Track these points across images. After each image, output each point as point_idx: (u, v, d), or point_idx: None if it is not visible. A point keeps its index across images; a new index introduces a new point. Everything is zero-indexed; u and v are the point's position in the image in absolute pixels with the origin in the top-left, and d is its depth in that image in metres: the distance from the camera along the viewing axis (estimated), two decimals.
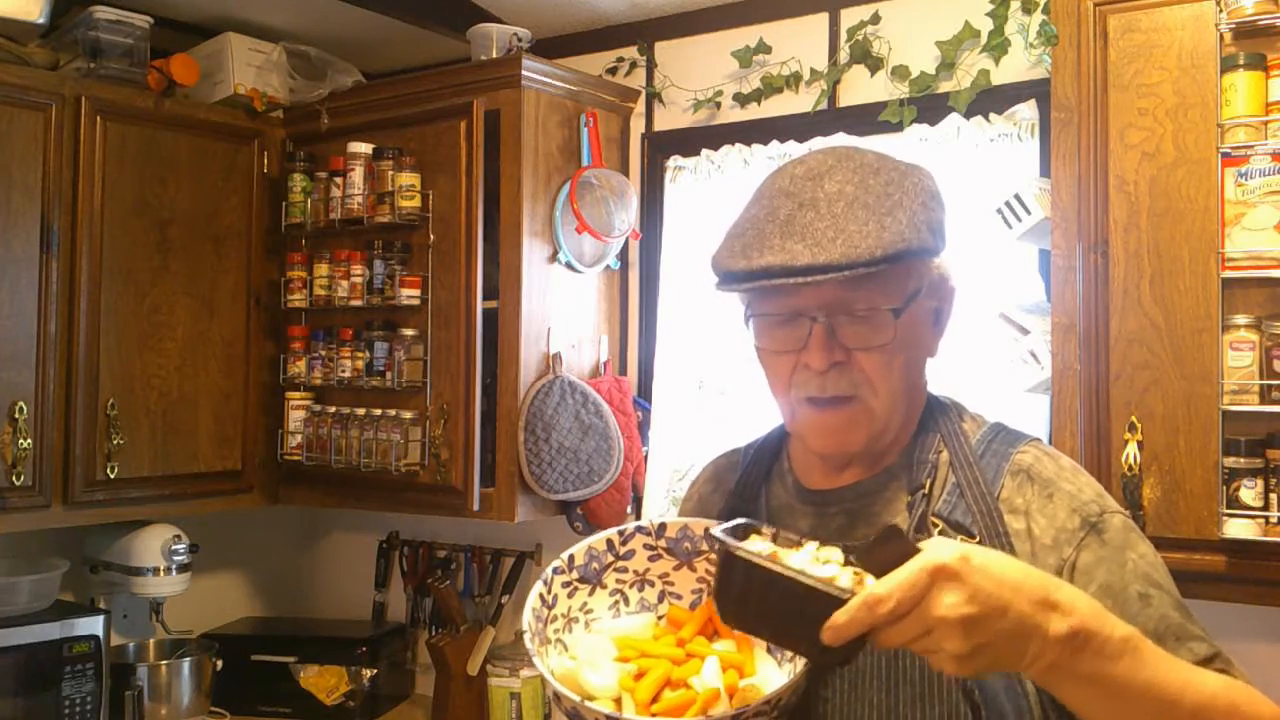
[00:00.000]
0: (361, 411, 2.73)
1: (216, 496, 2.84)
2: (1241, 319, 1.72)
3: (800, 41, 2.59)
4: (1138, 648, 0.96)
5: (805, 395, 1.16)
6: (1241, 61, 1.72)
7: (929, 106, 2.38)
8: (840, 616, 0.90)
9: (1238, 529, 1.70)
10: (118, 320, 2.61)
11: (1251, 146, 1.71)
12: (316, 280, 2.83)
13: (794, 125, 2.57)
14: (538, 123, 2.63)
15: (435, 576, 2.97)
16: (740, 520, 1.06)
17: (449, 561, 3.06)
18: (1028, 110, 2.23)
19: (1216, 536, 1.72)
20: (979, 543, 1.12)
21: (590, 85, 2.77)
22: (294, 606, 3.44)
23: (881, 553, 0.92)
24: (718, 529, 1.01)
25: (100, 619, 2.61)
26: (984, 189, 2.18)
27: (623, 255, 2.84)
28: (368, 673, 2.92)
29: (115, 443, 2.59)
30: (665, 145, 2.80)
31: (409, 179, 2.67)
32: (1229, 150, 1.72)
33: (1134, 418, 1.81)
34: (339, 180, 2.77)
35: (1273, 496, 1.71)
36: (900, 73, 2.44)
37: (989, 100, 2.30)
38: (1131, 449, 1.81)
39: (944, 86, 2.39)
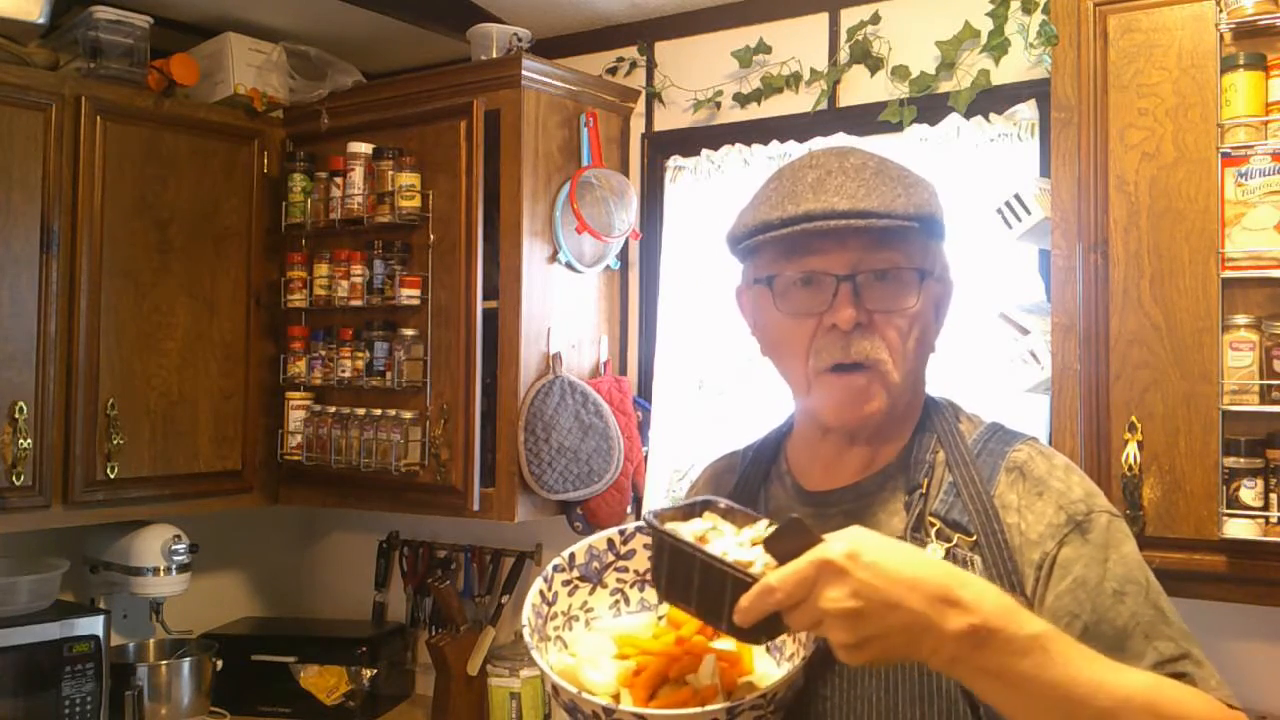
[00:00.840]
0: (361, 411, 2.73)
1: (216, 496, 2.84)
2: (1241, 319, 1.72)
3: (800, 41, 2.59)
4: (1046, 646, 0.95)
5: (828, 362, 1.16)
6: (1241, 61, 1.72)
7: (929, 106, 2.38)
8: (744, 600, 0.95)
9: (1238, 529, 1.70)
10: (118, 320, 2.61)
11: (1251, 146, 1.71)
12: (316, 280, 2.83)
13: (794, 125, 2.57)
14: (538, 123, 2.63)
15: (435, 576, 2.97)
16: (699, 498, 1.10)
17: (449, 561, 3.06)
18: (1028, 110, 2.23)
19: (1216, 536, 1.72)
20: (976, 541, 1.12)
21: (590, 85, 2.77)
22: (294, 606, 3.44)
23: (785, 543, 0.95)
24: (649, 512, 1.05)
25: (100, 619, 2.61)
26: (984, 189, 2.18)
27: (623, 255, 2.84)
28: (368, 673, 2.92)
29: (115, 443, 2.59)
30: (665, 145, 2.80)
31: (409, 179, 2.67)
32: (1229, 150, 1.72)
33: (1134, 418, 1.81)
34: (339, 180, 2.77)
35: (1273, 496, 1.70)
36: (900, 73, 2.44)
37: (989, 100, 2.30)
38: (1131, 449, 1.81)
39: (944, 86, 2.39)
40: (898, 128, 2.41)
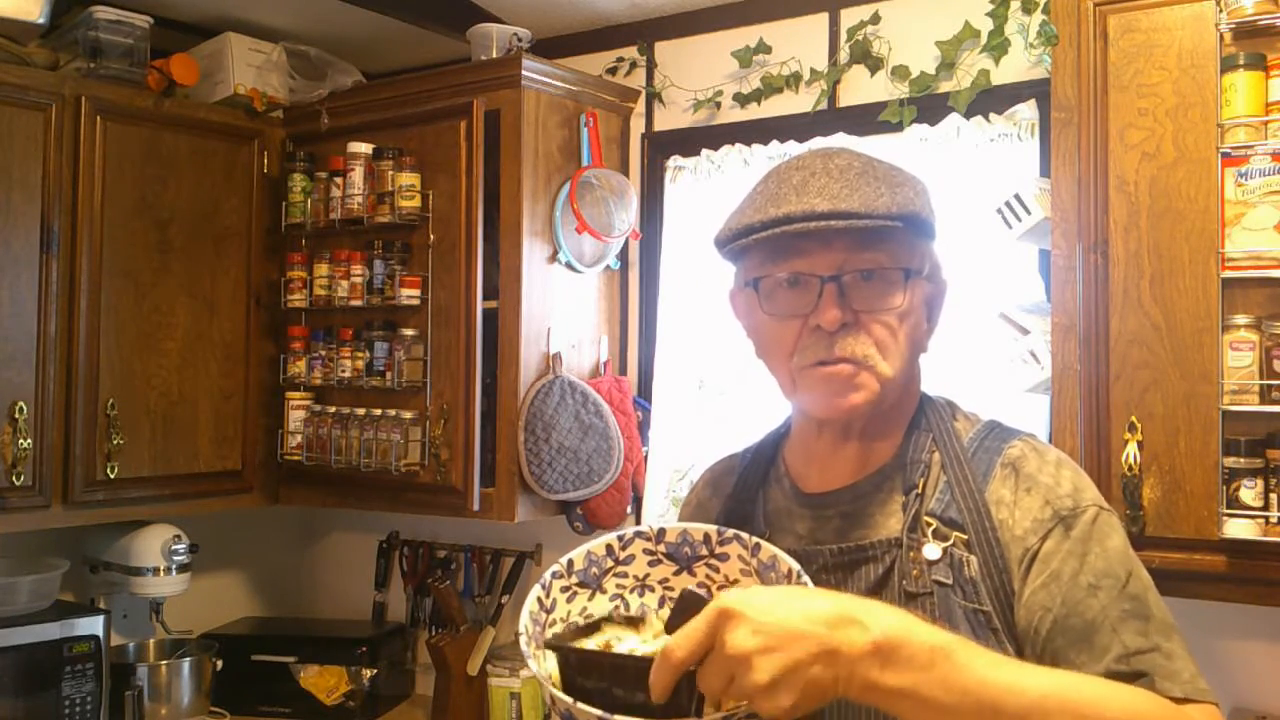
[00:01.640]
0: (361, 411, 2.73)
1: (216, 496, 2.84)
2: (1241, 319, 1.72)
3: (800, 41, 2.59)
4: (951, 655, 0.94)
5: (812, 359, 1.16)
6: (1241, 61, 1.72)
7: (929, 106, 2.38)
8: (652, 675, 0.94)
9: (1238, 529, 1.70)
10: (118, 320, 2.61)
11: (1251, 146, 1.71)
12: (316, 280, 2.83)
13: (794, 125, 2.57)
14: (538, 123, 2.63)
15: (435, 576, 2.97)
16: (581, 624, 1.14)
17: (449, 561, 3.07)
18: (1028, 110, 2.23)
19: (1216, 536, 1.72)
20: (969, 540, 1.12)
21: (590, 85, 2.77)
22: (294, 606, 3.44)
23: (684, 615, 0.96)
24: (551, 636, 1.10)
25: (100, 619, 2.61)
26: (984, 189, 2.18)
27: (623, 255, 2.84)
28: (368, 673, 2.92)
29: (115, 443, 2.59)
30: (665, 145, 2.79)
31: (409, 179, 2.67)
32: (1229, 150, 1.72)
33: (1134, 418, 1.81)
34: (339, 180, 2.77)
35: (1273, 496, 1.70)
36: (900, 73, 2.44)
37: (989, 100, 2.30)
38: (1131, 449, 1.81)
39: (944, 86, 2.39)
40: (898, 128, 2.41)
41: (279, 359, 2.91)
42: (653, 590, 1.21)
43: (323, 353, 2.83)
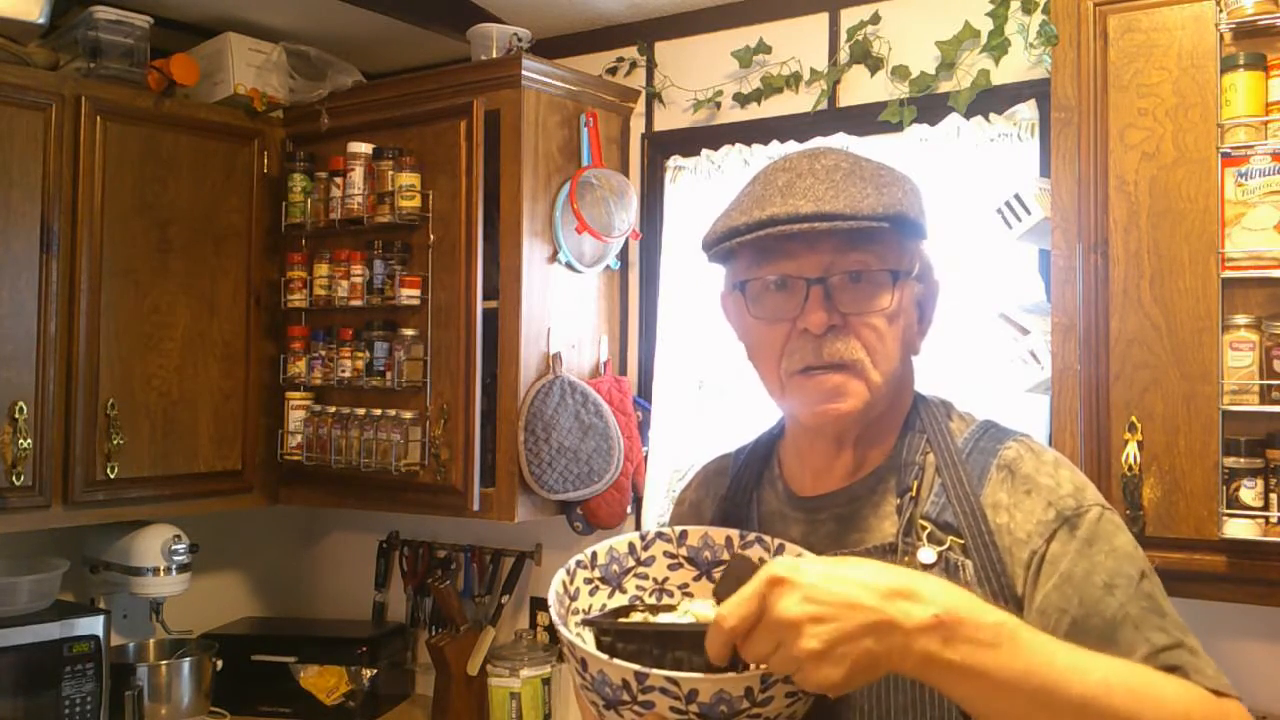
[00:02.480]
0: (361, 411, 2.73)
1: (216, 496, 2.84)
2: (1241, 319, 1.72)
3: (800, 41, 2.59)
4: (1015, 634, 0.93)
5: (800, 365, 1.15)
6: (1241, 61, 1.72)
7: (929, 106, 2.38)
8: (707, 643, 0.94)
9: (1238, 529, 1.70)
10: (118, 320, 2.61)
11: (1251, 146, 1.71)
12: (316, 280, 2.83)
13: (794, 125, 2.57)
14: (538, 123, 2.63)
15: (435, 576, 2.97)
16: (615, 606, 1.15)
17: (449, 561, 3.06)
18: (1028, 110, 2.23)
19: (1216, 536, 1.72)
20: (965, 545, 1.11)
21: (590, 85, 2.77)
22: (294, 606, 3.44)
23: (733, 583, 0.95)
24: (598, 615, 1.12)
25: (100, 619, 2.62)
26: (984, 189, 2.18)
27: (623, 255, 2.84)
28: (368, 673, 2.92)
29: (115, 443, 2.59)
30: (665, 145, 2.80)
31: (409, 179, 2.67)
32: (1229, 150, 1.72)
33: (1134, 418, 1.81)
34: (339, 180, 2.77)
35: (1273, 496, 1.70)
36: (900, 73, 2.44)
37: (989, 100, 2.30)
38: (1131, 449, 1.81)
39: (944, 86, 2.39)
40: (898, 128, 2.41)
41: (279, 359, 2.91)
42: (671, 595, 1.21)
43: (323, 353, 2.83)
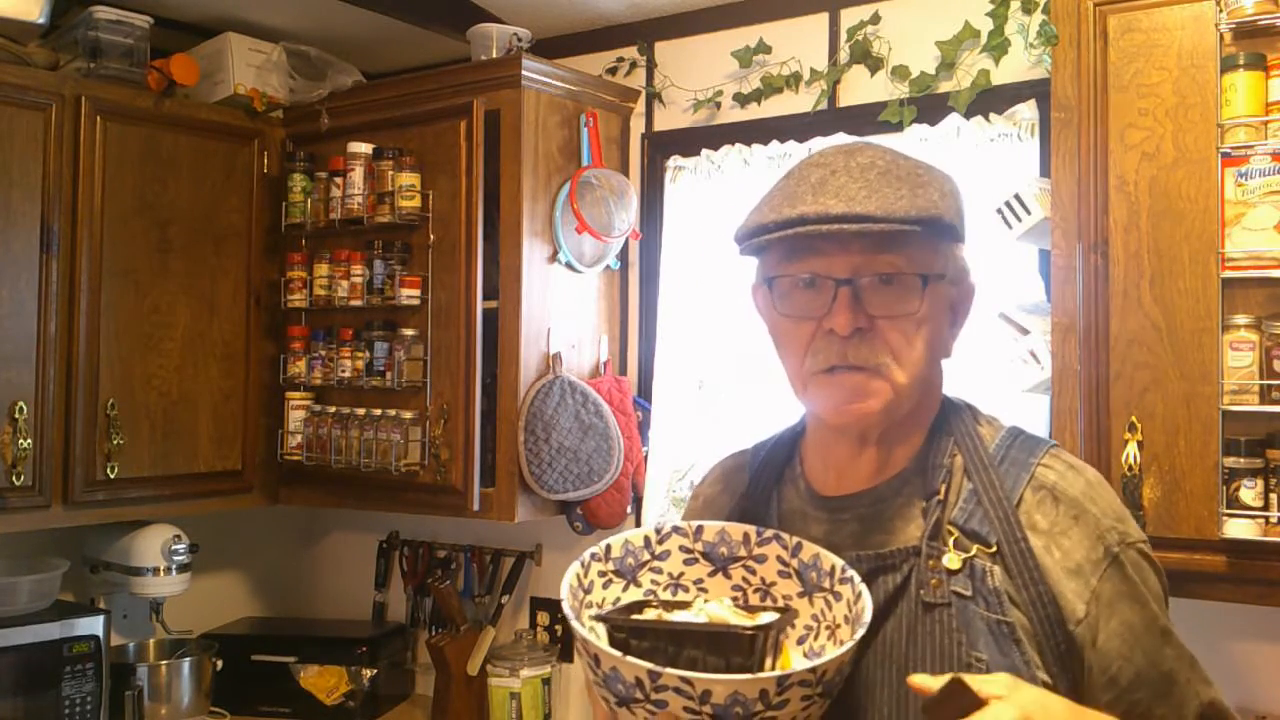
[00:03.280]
0: (361, 411, 2.73)
1: (216, 496, 2.84)
2: (1241, 319, 1.72)
3: (800, 41, 2.59)
4: None
5: (824, 364, 1.13)
6: (1241, 61, 1.72)
7: (929, 106, 2.38)
8: None
9: (1238, 529, 1.70)
10: (118, 320, 2.61)
11: (1251, 146, 1.71)
12: (316, 280, 2.83)
13: (794, 125, 2.57)
14: (538, 123, 2.63)
15: (435, 576, 2.97)
16: (626, 603, 1.14)
17: (449, 561, 3.07)
18: (1028, 110, 2.23)
19: (1216, 536, 1.72)
20: (995, 552, 1.10)
21: (590, 85, 2.77)
22: (294, 606, 3.44)
23: (946, 707, 0.94)
24: (611, 610, 1.11)
25: (100, 619, 2.62)
26: (984, 189, 2.18)
27: (623, 255, 2.84)
28: (368, 673, 2.92)
29: (115, 443, 2.59)
30: (665, 145, 2.80)
31: (409, 179, 2.67)
32: (1229, 150, 1.72)
33: (1134, 418, 1.81)
34: (339, 180, 2.77)
35: (1273, 496, 1.70)
36: (900, 73, 2.44)
37: (989, 100, 2.30)
38: (1131, 449, 1.81)
39: (944, 86, 2.39)
40: (898, 128, 2.41)
41: (279, 359, 2.91)
42: (686, 590, 1.20)
43: (323, 353, 2.83)
